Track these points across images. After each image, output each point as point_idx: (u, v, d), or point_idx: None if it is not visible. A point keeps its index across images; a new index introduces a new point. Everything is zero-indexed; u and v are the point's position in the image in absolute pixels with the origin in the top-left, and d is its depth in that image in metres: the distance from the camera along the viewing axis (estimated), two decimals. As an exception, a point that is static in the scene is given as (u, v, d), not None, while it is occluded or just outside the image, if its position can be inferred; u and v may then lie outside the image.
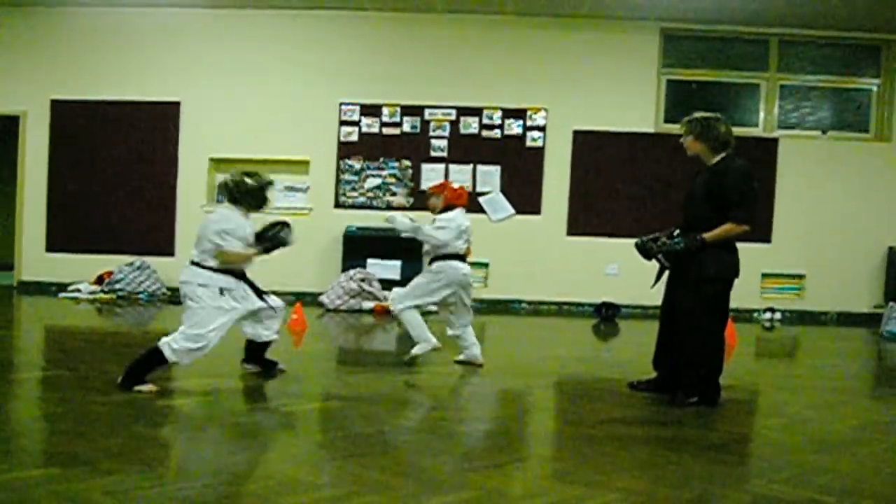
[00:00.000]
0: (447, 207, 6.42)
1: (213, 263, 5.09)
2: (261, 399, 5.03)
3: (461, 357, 6.50)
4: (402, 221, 6.30)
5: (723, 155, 5.23)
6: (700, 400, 5.10)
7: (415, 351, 6.33)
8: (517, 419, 5.04)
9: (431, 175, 10.98)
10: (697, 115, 5.36)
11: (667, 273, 5.37)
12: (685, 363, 5.19)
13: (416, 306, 6.31)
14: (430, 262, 6.43)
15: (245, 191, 5.28)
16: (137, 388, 4.88)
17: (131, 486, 3.18)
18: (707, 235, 5.03)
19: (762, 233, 11.01)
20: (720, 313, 5.20)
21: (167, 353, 4.88)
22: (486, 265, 11.16)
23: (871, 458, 4.10)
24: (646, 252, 5.29)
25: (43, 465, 3.51)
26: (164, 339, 4.90)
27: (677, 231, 5.25)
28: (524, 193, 10.78)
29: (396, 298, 6.39)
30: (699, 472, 3.69)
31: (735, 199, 5.02)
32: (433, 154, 11.13)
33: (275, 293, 9.80)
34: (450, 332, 6.49)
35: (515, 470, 3.67)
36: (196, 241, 5.19)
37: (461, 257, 6.41)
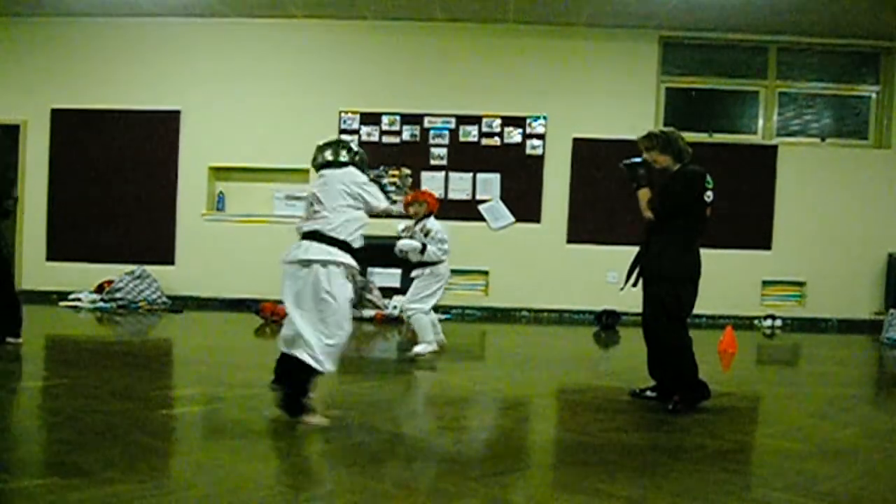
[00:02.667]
0: (428, 214, 7.09)
1: (356, 234, 4.62)
2: (261, 408, 5.01)
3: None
4: (411, 244, 6.99)
5: (684, 162, 5.39)
6: (682, 402, 5.13)
7: (417, 349, 7.02)
8: (518, 428, 5.03)
9: (431, 183, 10.97)
10: (655, 130, 5.57)
11: (636, 275, 5.49)
12: (663, 368, 5.34)
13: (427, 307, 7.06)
14: (420, 267, 7.12)
15: (363, 158, 4.93)
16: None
17: (132, 496, 3.17)
18: (644, 189, 5.36)
19: (762, 240, 11.03)
20: (678, 313, 5.27)
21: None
22: (486, 273, 11.17)
23: (872, 466, 4.09)
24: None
25: (43, 474, 3.50)
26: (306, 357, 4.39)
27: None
28: (524, 201, 10.78)
29: (408, 302, 7.12)
30: (700, 480, 3.68)
31: (663, 191, 5.29)
32: (433, 162, 11.14)
33: (275, 302, 9.89)
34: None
35: (517, 479, 3.66)
36: (319, 206, 4.59)
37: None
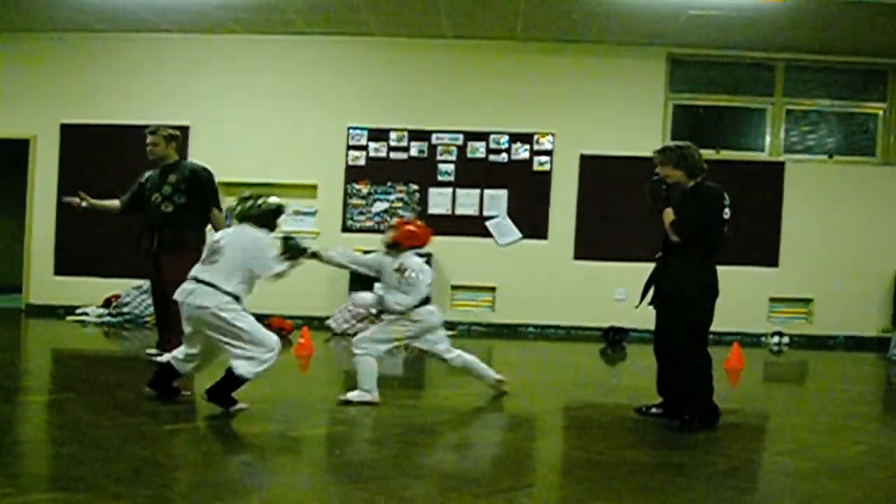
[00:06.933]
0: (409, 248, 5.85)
1: (242, 290, 5.16)
2: (267, 423, 5.02)
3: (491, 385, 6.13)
4: (365, 300, 6.61)
5: (699, 179, 5.34)
6: (693, 421, 5.10)
7: (349, 395, 5.65)
8: (524, 444, 5.02)
9: (439, 199, 11.01)
10: (670, 144, 5.58)
11: (651, 293, 5.43)
12: (678, 387, 5.26)
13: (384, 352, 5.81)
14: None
15: (268, 211, 5.31)
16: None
17: (137, 510, 3.17)
18: (668, 210, 5.25)
19: (770, 257, 11.00)
20: (697, 332, 5.23)
21: (250, 376, 5.06)
22: (492, 289, 11.16)
23: (879, 484, 4.07)
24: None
25: (49, 489, 3.51)
26: (238, 367, 5.04)
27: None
28: (531, 218, 10.77)
29: (359, 339, 5.81)
30: (707, 498, 3.67)
31: (682, 211, 5.20)
32: (440, 178, 11.16)
33: (282, 317, 9.91)
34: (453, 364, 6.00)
35: (522, 496, 3.65)
36: (222, 262, 5.11)
37: (428, 299, 5.89)
